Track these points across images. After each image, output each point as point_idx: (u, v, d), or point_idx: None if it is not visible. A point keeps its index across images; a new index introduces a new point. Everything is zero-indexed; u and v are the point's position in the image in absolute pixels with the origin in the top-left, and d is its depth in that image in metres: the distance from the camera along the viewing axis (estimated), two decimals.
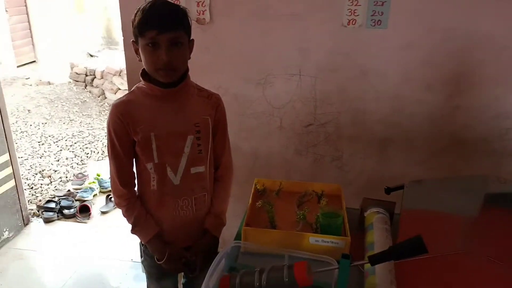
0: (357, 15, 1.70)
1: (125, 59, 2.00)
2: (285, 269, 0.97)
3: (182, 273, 1.53)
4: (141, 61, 1.19)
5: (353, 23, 1.71)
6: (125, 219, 1.32)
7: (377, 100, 1.84)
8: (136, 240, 1.38)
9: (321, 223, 1.26)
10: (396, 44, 1.73)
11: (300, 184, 1.54)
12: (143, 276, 2.35)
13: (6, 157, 2.58)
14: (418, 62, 1.75)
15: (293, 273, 0.96)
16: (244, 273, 1.02)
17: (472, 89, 1.75)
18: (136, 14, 1.14)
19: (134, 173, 1.30)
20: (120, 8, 1.89)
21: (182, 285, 1.55)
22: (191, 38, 1.22)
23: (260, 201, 1.37)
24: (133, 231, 1.31)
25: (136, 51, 1.19)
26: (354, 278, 1.11)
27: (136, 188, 1.33)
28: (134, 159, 1.29)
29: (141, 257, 1.47)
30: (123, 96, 1.27)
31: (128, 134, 1.22)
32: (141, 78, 1.23)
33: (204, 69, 1.87)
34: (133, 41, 1.19)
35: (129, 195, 1.29)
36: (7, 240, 2.63)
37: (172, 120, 1.23)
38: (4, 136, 2.55)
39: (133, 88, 1.27)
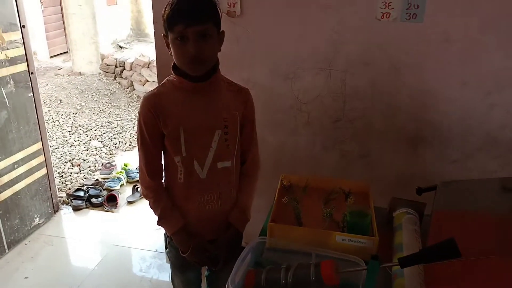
0: (392, 8, 1.64)
1: (156, 52, 2.01)
2: (312, 267, 0.96)
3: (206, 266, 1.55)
4: (171, 54, 1.19)
5: (387, 16, 1.65)
6: (151, 210, 1.33)
7: (410, 97, 1.78)
8: (161, 231, 1.39)
9: (349, 221, 1.24)
10: (431, 39, 1.67)
11: (327, 180, 1.51)
12: (167, 267, 2.40)
13: (39, 145, 2.66)
14: (454, 57, 1.68)
15: (320, 272, 0.94)
16: (270, 269, 1.01)
17: (511, 86, 1.67)
18: (165, 8, 1.14)
19: (162, 165, 1.31)
20: (152, 0, 1.90)
21: (205, 278, 1.56)
22: (221, 30, 1.21)
23: (286, 197, 1.36)
24: (159, 222, 1.33)
25: (167, 45, 1.19)
26: (382, 279, 1.08)
27: (163, 180, 1.34)
28: (162, 152, 1.30)
29: (166, 248, 1.49)
30: (154, 89, 1.28)
31: (158, 126, 1.22)
32: (172, 71, 1.24)
33: (233, 61, 1.86)
34: (164, 35, 1.19)
35: (156, 187, 1.30)
36: (38, 226, 2.73)
37: (201, 114, 1.23)
38: (38, 125, 2.63)
39: (163, 81, 1.28)
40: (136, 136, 4.14)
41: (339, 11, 1.73)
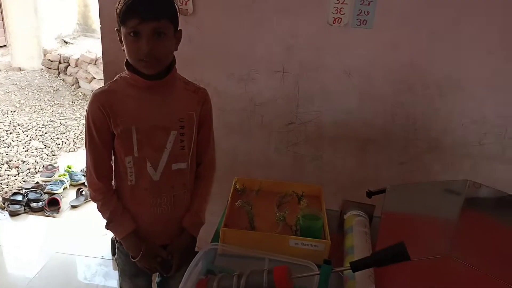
0: (343, 14, 1.67)
1: (102, 49, 1.91)
2: (265, 274, 0.94)
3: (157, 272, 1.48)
4: (124, 50, 1.13)
5: (339, 21, 1.68)
6: (99, 213, 1.25)
7: (360, 101, 1.83)
8: (107, 237, 1.32)
9: (302, 225, 1.24)
10: (381, 45, 1.72)
11: (280, 184, 1.50)
12: (113, 274, 2.29)
13: None
14: (401, 63, 1.75)
15: (273, 278, 0.92)
16: (222, 277, 0.98)
17: (453, 93, 1.76)
18: (119, 1, 1.08)
19: (111, 166, 1.24)
20: None
21: (156, 285, 1.50)
22: (178, 29, 1.16)
23: (239, 201, 1.33)
24: (108, 226, 1.25)
25: (120, 40, 1.13)
26: (334, 283, 1.08)
27: (113, 182, 1.27)
28: (112, 152, 1.23)
29: (114, 254, 1.41)
30: (105, 85, 1.20)
31: (107, 125, 1.16)
32: (125, 68, 1.17)
33: (185, 61, 1.79)
34: (117, 29, 1.13)
35: (105, 189, 1.23)
36: None
37: (156, 113, 1.17)
38: None
39: (115, 77, 1.21)
40: (83, 136, 3.94)
41: (292, 15, 1.73)
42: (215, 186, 1.47)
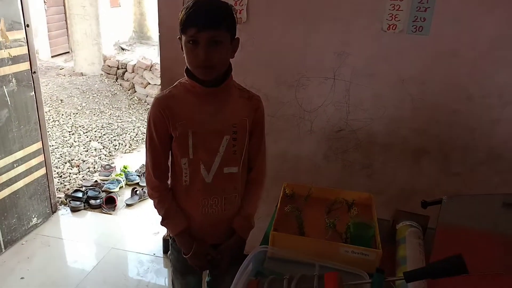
0: (398, 20, 1.65)
1: (160, 57, 2.01)
2: (315, 279, 0.94)
3: (207, 271, 1.53)
4: (184, 57, 1.19)
5: (394, 28, 1.66)
6: (156, 210, 1.32)
7: (414, 109, 1.78)
8: (159, 235, 1.38)
9: (352, 233, 1.23)
10: (437, 52, 1.67)
11: (330, 190, 1.50)
12: (164, 272, 2.38)
13: (39, 145, 2.64)
14: (460, 71, 1.69)
15: (324, 284, 0.93)
16: (272, 279, 1.00)
17: None
18: (182, 10, 1.15)
19: (168, 166, 1.31)
20: (158, 5, 1.90)
21: (206, 284, 1.55)
22: (235, 37, 1.21)
23: (288, 206, 1.35)
24: (163, 223, 1.32)
25: (182, 47, 1.19)
26: None
27: (169, 182, 1.34)
28: (169, 153, 1.30)
29: (166, 252, 1.48)
30: (166, 90, 1.27)
31: (167, 128, 1.23)
32: (185, 74, 1.23)
33: (236, 67, 1.86)
34: (179, 37, 1.19)
35: (162, 187, 1.30)
36: (35, 226, 2.70)
37: (211, 118, 1.23)
38: (38, 125, 2.62)
39: (175, 83, 1.28)
40: (138, 138, 4.12)
41: (346, 22, 1.73)
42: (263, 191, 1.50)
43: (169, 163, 1.32)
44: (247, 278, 1.05)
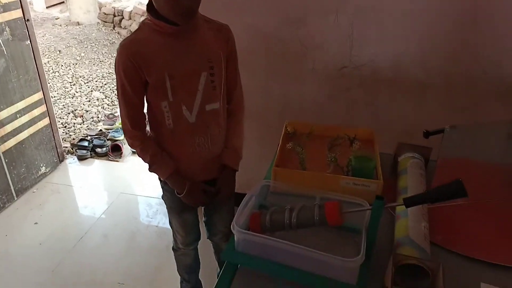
0: None
1: None
2: (316, 208, 0.96)
3: (203, 211, 1.57)
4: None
5: None
6: (141, 159, 1.32)
7: (419, 42, 1.72)
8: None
9: (353, 166, 1.24)
10: None
11: (331, 127, 1.49)
12: None
13: (40, 95, 2.63)
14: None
15: (324, 212, 0.95)
16: (274, 210, 1.02)
17: None
18: None
19: (145, 114, 1.29)
20: None
21: (204, 223, 1.60)
22: None
23: (290, 143, 1.35)
24: (151, 169, 1.32)
25: None
26: (386, 221, 1.10)
27: (148, 129, 1.33)
28: (144, 100, 1.26)
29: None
30: (131, 35, 1.20)
31: (140, 75, 1.17)
32: (148, 15, 1.16)
33: (236, 6, 1.79)
34: None
35: (141, 136, 1.29)
36: (44, 175, 2.76)
37: (185, 57, 1.19)
38: (37, 75, 2.59)
39: (139, 25, 1.20)
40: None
41: None
42: (265, 132, 1.49)
43: (145, 110, 1.29)
44: (250, 210, 1.07)
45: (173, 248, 1.67)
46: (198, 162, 1.33)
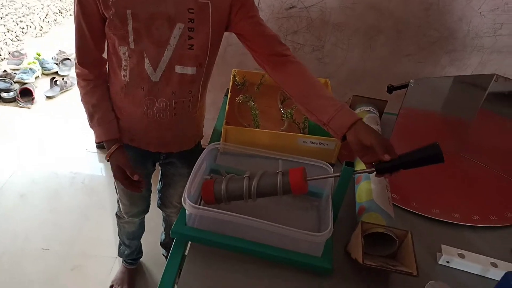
0: None
1: None
2: (279, 176, 0.85)
3: (159, 178, 1.40)
4: None
5: None
6: (82, 105, 1.07)
7: None
8: (89, 129, 1.14)
9: (310, 123, 1.14)
10: None
11: None
12: (99, 167, 2.22)
13: None
14: None
15: (288, 181, 0.84)
16: (231, 178, 0.89)
17: None
18: None
19: (99, 55, 1.04)
20: None
21: (157, 191, 1.44)
22: None
23: (240, 96, 1.20)
24: (90, 124, 1.09)
25: None
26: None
27: (103, 72, 1.08)
28: (103, 39, 1.01)
29: (100, 147, 1.29)
30: None
31: (96, 7, 0.92)
32: None
33: None
34: None
35: (90, 76, 1.04)
36: None
37: None
38: None
39: None
40: (48, 19, 3.52)
41: None
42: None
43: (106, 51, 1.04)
44: (201, 178, 0.94)
45: (116, 214, 1.48)
46: (155, 129, 1.10)
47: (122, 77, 1.02)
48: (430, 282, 0.79)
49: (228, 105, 1.18)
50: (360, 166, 1.02)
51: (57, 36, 3.51)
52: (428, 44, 1.72)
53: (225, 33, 1.05)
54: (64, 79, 2.87)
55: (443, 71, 1.77)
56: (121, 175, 1.10)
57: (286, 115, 1.16)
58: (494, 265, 0.86)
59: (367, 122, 1.18)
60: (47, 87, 2.81)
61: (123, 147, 1.10)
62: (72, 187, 2.08)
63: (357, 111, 1.26)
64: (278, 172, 0.86)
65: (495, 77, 1.10)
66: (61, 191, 2.05)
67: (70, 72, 3.00)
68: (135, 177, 1.08)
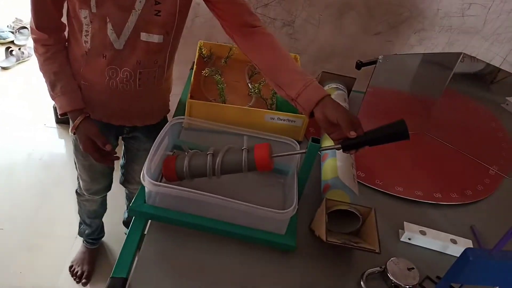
0: None
1: None
2: (244, 152, 0.82)
3: (122, 153, 1.33)
4: None
5: None
6: (42, 76, 0.99)
7: None
8: (49, 102, 1.07)
9: (278, 98, 1.11)
10: None
11: None
12: (59, 143, 2.13)
13: None
14: None
15: (253, 157, 0.82)
16: (194, 154, 0.86)
17: None
18: None
19: (58, 18, 0.96)
20: None
21: (120, 167, 1.38)
22: None
23: (206, 69, 1.15)
24: (53, 94, 0.99)
25: None
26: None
27: (64, 37, 1.00)
28: (62, 1, 0.93)
29: (59, 121, 1.21)
30: None
31: None
32: None
33: None
34: None
35: (49, 42, 0.96)
36: None
37: None
38: None
39: None
40: None
41: None
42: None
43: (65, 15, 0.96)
44: (163, 153, 0.90)
45: (76, 191, 1.41)
46: (118, 100, 1.04)
47: (83, 43, 0.94)
48: (392, 258, 0.79)
49: (194, 78, 1.12)
50: (327, 143, 1.00)
51: (13, 2, 3.28)
52: (398, 23, 1.71)
53: (193, 3, 0.98)
54: (21, 49, 2.69)
55: (411, 50, 1.77)
56: (92, 147, 1.02)
57: (254, 90, 1.12)
58: (454, 241, 0.88)
59: (335, 99, 1.17)
60: (2, 57, 2.63)
61: (90, 117, 1.03)
62: (28, 164, 1.98)
63: (326, 88, 1.24)
64: (243, 149, 0.83)
65: (461, 55, 1.10)
66: (16, 168, 1.95)
67: (28, 42, 2.82)
68: (108, 147, 1.02)
